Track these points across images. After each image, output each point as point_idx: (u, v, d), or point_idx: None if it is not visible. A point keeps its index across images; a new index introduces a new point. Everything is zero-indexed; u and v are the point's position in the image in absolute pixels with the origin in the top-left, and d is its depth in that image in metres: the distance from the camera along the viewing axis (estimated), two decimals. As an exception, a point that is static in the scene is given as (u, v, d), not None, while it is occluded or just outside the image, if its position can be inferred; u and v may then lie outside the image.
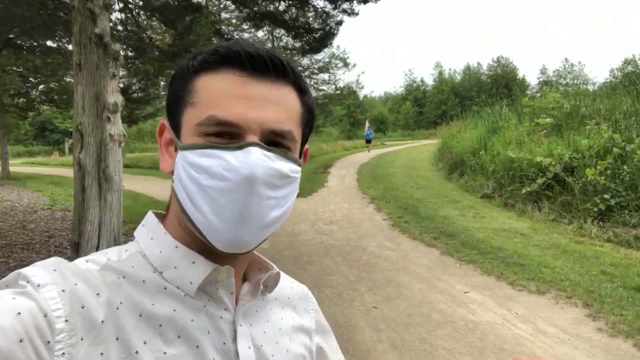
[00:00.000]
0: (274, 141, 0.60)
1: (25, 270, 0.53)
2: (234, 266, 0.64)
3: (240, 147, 0.57)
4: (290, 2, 10.21)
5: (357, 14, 9.74)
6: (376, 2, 9.30)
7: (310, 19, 11.19)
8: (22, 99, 20.32)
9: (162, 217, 0.68)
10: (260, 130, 0.58)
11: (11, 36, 12.57)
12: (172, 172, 0.62)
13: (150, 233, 0.64)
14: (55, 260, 0.56)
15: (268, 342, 0.68)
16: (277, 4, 10.40)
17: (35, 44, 13.78)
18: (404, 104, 67.47)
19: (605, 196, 7.20)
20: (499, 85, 55.13)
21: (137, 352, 0.54)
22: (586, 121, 9.64)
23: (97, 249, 4.70)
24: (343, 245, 7.10)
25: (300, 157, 0.67)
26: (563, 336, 3.90)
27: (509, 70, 66.74)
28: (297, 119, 0.63)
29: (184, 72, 0.62)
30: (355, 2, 9.37)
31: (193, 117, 0.59)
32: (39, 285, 0.51)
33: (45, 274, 0.52)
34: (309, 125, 0.67)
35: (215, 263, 0.61)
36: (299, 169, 0.64)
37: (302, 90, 0.64)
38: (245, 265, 0.70)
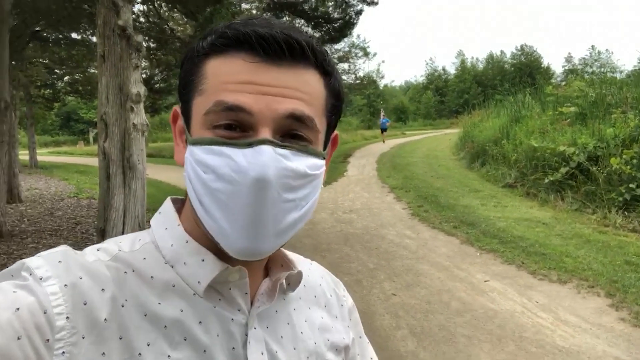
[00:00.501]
0: (291, 132, 0.54)
1: (30, 262, 0.51)
2: (250, 263, 0.58)
3: (251, 145, 0.51)
4: (310, -9, 10.19)
5: (376, 4, 9.67)
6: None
7: (330, 8, 11.16)
8: (48, 90, 20.76)
9: (181, 204, 0.64)
10: (273, 120, 0.52)
11: (37, 29, 12.83)
12: None
13: (166, 222, 0.61)
14: (62, 251, 0.53)
15: (285, 348, 0.62)
16: (297, -6, 10.40)
17: (60, 36, 14.06)
18: (425, 93, 66.70)
19: (631, 185, 7.06)
20: (523, 74, 54.10)
21: (140, 354, 0.51)
22: (612, 110, 9.43)
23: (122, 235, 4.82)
24: (362, 233, 7.13)
25: (325, 147, 0.61)
26: (584, 325, 3.87)
27: (533, 59, 65.31)
28: (320, 106, 0.57)
29: (193, 54, 0.57)
30: (375, -10, 9.29)
31: (201, 107, 0.54)
32: (41, 279, 0.48)
33: (49, 267, 0.50)
34: (335, 111, 0.60)
35: (228, 260, 0.57)
36: (322, 163, 0.57)
37: (326, 73, 0.57)
38: (265, 261, 0.64)
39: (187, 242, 0.58)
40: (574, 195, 8.13)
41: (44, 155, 26.93)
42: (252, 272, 0.60)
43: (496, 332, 3.80)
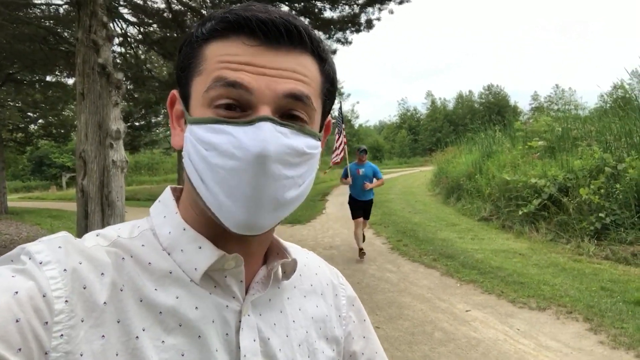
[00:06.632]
0: (289, 113, 0.56)
1: (30, 246, 0.52)
2: (248, 250, 0.61)
3: (251, 122, 0.52)
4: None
5: (350, 43, 10.01)
6: (368, 32, 9.60)
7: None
8: (20, 134, 20.48)
9: (179, 193, 0.65)
10: (273, 100, 0.54)
11: (11, 71, 12.81)
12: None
13: (164, 210, 0.62)
14: (63, 236, 0.54)
15: (277, 335, 0.63)
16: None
17: (35, 78, 14.03)
18: (399, 132, 68.13)
19: (601, 215, 7.28)
20: (492, 112, 55.87)
21: (137, 337, 0.52)
22: (578, 143, 9.82)
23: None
24: (343, 269, 7.10)
25: (321, 130, 0.63)
26: (565, 350, 3.91)
27: (501, 98, 67.73)
28: (317, 88, 0.59)
29: (192, 40, 0.58)
30: (348, 31, 9.63)
31: (201, 86, 0.55)
32: (41, 263, 0.49)
33: (49, 252, 0.51)
34: (330, 96, 0.62)
35: (226, 248, 0.58)
36: (317, 143, 0.59)
37: (321, 59, 0.59)
38: (263, 248, 0.66)
39: (184, 229, 0.59)
40: (548, 226, 8.33)
41: (15, 201, 26.15)
42: (249, 261, 0.61)
43: None
